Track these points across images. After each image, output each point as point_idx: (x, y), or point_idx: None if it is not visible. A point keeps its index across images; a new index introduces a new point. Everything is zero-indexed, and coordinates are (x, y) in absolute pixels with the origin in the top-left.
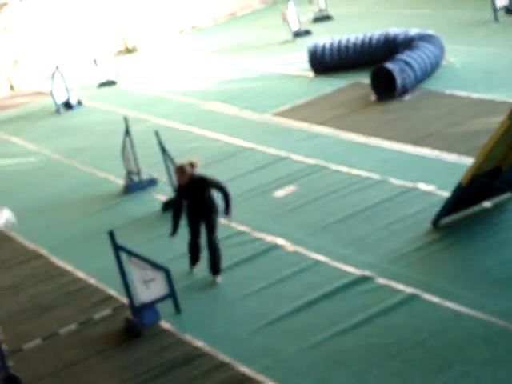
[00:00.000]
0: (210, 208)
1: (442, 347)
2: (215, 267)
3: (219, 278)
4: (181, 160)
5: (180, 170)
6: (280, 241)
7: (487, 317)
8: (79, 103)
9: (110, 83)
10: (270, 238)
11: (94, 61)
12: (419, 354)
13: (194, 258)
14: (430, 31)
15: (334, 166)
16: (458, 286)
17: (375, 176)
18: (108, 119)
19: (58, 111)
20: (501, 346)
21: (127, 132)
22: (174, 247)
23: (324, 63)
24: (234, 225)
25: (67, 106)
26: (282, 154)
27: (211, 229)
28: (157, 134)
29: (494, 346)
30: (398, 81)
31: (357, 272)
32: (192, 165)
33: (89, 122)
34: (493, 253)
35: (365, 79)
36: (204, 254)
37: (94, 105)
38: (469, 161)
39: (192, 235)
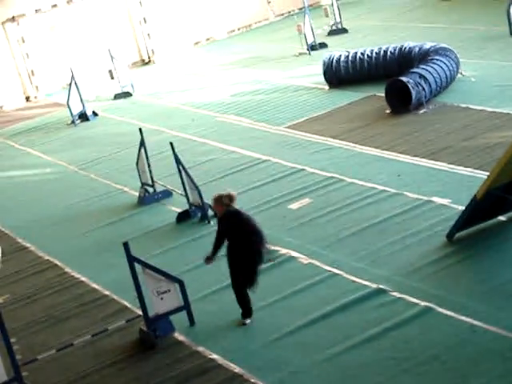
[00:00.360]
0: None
1: (457, 361)
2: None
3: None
4: (195, 172)
5: (216, 199)
6: (294, 253)
7: (502, 331)
8: (95, 114)
9: (126, 95)
10: (284, 251)
11: (110, 72)
12: (433, 369)
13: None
14: (444, 45)
15: (348, 179)
16: (473, 300)
17: (390, 189)
18: (123, 131)
19: (73, 122)
20: None
21: (142, 143)
22: (188, 259)
23: (339, 76)
24: None
25: (83, 117)
26: (297, 166)
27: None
28: (172, 145)
29: (509, 361)
30: (413, 94)
31: (371, 285)
32: (230, 198)
33: (104, 134)
34: (508, 267)
35: (380, 92)
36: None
37: (109, 116)
38: (484, 175)
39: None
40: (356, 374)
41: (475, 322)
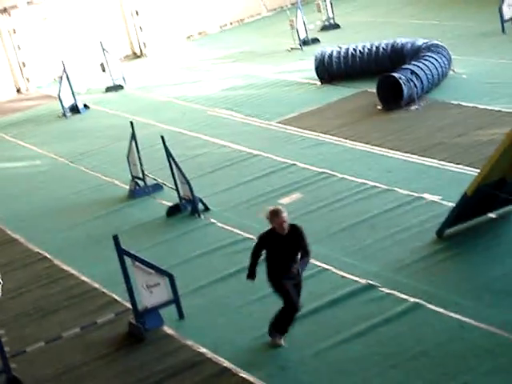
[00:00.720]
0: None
1: (445, 357)
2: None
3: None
4: (186, 165)
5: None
6: None
7: (491, 328)
8: (86, 107)
9: (117, 88)
10: None
11: (101, 65)
12: (422, 364)
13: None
14: (437, 41)
15: (339, 175)
16: (462, 296)
17: (380, 185)
18: (114, 124)
19: (64, 115)
20: (504, 357)
21: (133, 137)
22: (178, 253)
23: (331, 72)
24: (238, 231)
25: (74, 109)
26: (288, 161)
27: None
28: (162, 138)
29: (497, 357)
30: (405, 90)
31: (361, 281)
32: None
33: (95, 126)
34: (497, 264)
35: (371, 88)
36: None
37: (100, 109)
38: (474, 171)
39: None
40: (344, 369)
41: (464, 319)
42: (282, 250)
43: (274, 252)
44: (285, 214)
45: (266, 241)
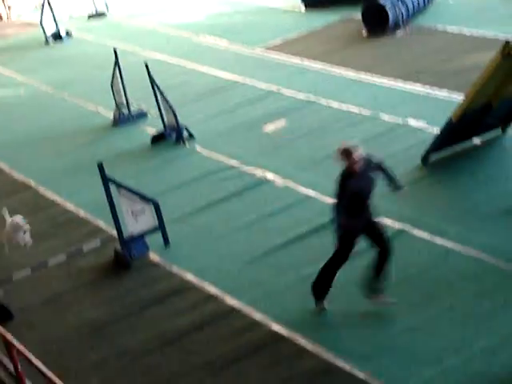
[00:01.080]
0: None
1: (430, 282)
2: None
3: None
4: (171, 93)
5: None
6: (270, 175)
7: (476, 253)
8: (68, 35)
9: (100, 15)
10: (259, 173)
11: None
12: (407, 289)
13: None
14: None
15: (324, 102)
16: (447, 221)
17: (366, 112)
18: (98, 51)
19: (47, 42)
20: (488, 282)
21: (117, 64)
22: (163, 181)
23: None
24: (222, 159)
25: (56, 37)
26: (273, 88)
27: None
28: (147, 66)
29: (482, 282)
30: (390, 16)
31: None
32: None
33: (78, 54)
34: (481, 189)
35: (357, 14)
36: None
37: (83, 36)
38: (459, 97)
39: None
40: (331, 292)
41: (449, 244)
42: (358, 190)
43: (349, 193)
44: (357, 153)
45: (343, 183)
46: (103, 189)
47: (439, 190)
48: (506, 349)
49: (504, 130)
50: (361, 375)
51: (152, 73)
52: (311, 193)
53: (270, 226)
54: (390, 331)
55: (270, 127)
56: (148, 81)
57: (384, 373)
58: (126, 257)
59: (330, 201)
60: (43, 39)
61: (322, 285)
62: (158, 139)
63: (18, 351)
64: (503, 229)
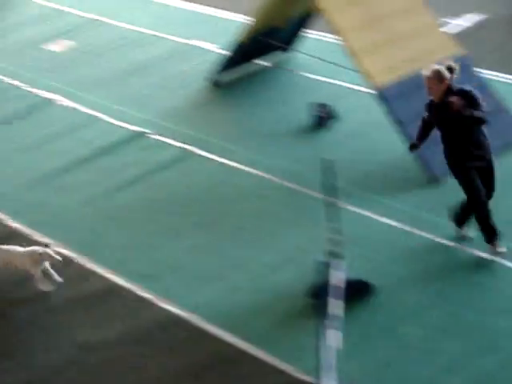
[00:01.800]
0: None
1: (216, 202)
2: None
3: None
4: None
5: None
6: (54, 96)
7: (257, 171)
8: None
9: None
10: (43, 93)
11: None
12: (194, 209)
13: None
14: None
15: (113, 22)
16: (232, 142)
17: (154, 32)
18: None
19: None
20: (270, 200)
21: None
22: None
23: None
24: (6, 79)
25: None
26: (64, 8)
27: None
28: None
29: (264, 199)
30: None
31: (132, 128)
32: (450, 69)
33: None
34: (264, 110)
35: None
36: None
37: None
38: (248, 20)
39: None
40: (116, 215)
41: (233, 164)
42: (450, 125)
43: (444, 129)
44: (431, 75)
45: (433, 114)
46: None
47: (225, 112)
48: (287, 266)
49: (286, 50)
50: (146, 295)
51: None
52: (97, 114)
53: (54, 148)
54: (174, 251)
55: (56, 47)
56: None
57: (168, 292)
58: None
59: (117, 122)
60: None
61: (487, 225)
62: None
63: None
64: (285, 149)
